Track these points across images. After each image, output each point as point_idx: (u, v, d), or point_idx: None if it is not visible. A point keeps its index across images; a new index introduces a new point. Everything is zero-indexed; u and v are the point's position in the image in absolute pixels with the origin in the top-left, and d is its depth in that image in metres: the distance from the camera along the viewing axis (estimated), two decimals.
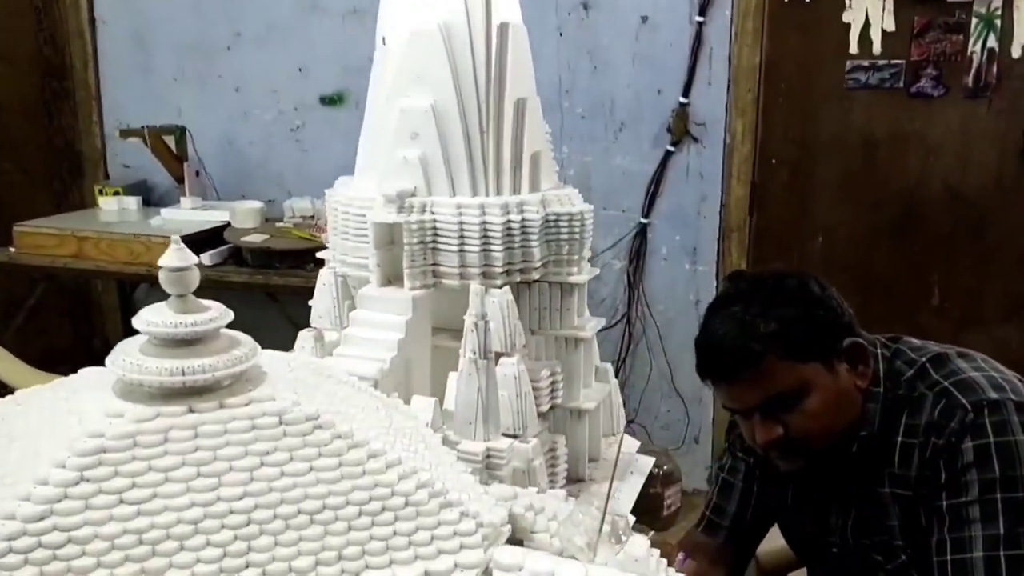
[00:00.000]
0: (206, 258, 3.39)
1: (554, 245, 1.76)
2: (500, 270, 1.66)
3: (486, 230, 1.65)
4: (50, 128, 4.35)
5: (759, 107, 3.36)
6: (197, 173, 3.97)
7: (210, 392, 1.12)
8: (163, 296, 1.16)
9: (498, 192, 1.70)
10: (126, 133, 3.72)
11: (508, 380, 1.63)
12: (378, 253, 1.66)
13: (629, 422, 3.64)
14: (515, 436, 1.65)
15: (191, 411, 1.09)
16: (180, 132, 3.87)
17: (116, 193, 3.95)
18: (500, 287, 1.66)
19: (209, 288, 3.45)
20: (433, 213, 1.65)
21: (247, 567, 0.99)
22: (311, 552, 1.02)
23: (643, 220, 3.56)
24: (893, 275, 3.23)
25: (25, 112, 4.31)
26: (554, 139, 3.60)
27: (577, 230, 1.77)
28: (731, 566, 1.66)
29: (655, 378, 3.65)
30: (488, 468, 1.54)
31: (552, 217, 1.74)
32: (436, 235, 1.65)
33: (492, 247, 1.65)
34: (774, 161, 3.41)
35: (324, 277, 1.80)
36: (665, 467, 3.55)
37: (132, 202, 3.91)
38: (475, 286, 1.51)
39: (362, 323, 1.64)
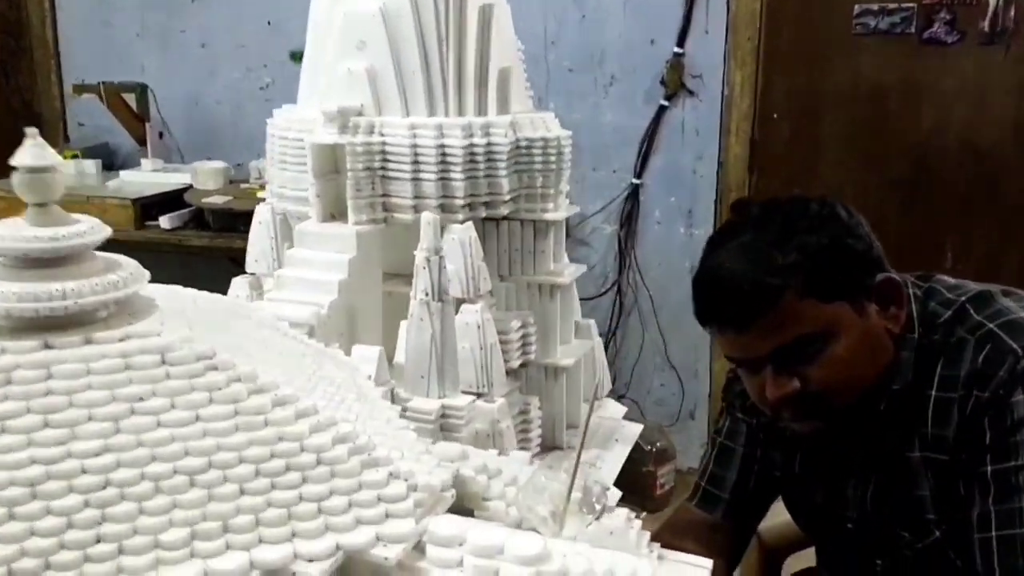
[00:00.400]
0: (165, 221, 3.16)
1: (526, 176, 1.53)
2: (461, 203, 1.43)
3: (444, 155, 1.41)
4: (7, 88, 4.11)
5: (759, 57, 3.12)
6: (161, 135, 3.73)
7: (76, 325, 0.90)
8: None
9: (460, 112, 1.47)
10: (80, 89, 3.48)
11: (470, 330, 1.40)
12: (318, 182, 1.43)
13: (619, 397, 3.41)
14: (479, 394, 1.42)
15: (47, 347, 0.86)
16: (141, 90, 3.63)
17: (75, 156, 3.71)
18: (462, 222, 1.43)
19: (169, 253, 3.16)
20: (382, 135, 1.41)
21: (97, 542, 0.76)
22: (186, 523, 0.79)
23: (635, 181, 3.32)
24: (904, 236, 3.00)
25: None
26: (539, 95, 3.37)
27: (553, 159, 1.54)
28: (730, 549, 1.43)
29: (648, 350, 3.41)
30: (443, 430, 1.31)
31: (524, 143, 1.51)
32: (386, 160, 1.42)
33: (452, 175, 1.42)
34: (775, 115, 3.18)
35: (261, 214, 1.56)
36: (658, 444, 3.34)
37: (91, 165, 3.66)
38: (428, 215, 1.28)
39: (299, 263, 1.41)
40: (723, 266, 1.20)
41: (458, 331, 1.40)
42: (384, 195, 1.42)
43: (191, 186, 3.35)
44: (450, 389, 1.32)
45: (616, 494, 1.77)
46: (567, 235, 3.44)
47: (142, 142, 3.67)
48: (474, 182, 1.44)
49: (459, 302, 1.43)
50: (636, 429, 1.74)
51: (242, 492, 0.82)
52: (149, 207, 3.23)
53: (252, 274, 1.55)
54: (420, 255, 1.28)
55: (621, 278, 3.39)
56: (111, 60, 3.82)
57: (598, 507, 1.01)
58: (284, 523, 0.81)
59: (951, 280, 1.30)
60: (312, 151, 1.40)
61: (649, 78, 3.24)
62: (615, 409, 1.78)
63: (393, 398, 1.31)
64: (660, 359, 3.42)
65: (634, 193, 3.33)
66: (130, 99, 3.63)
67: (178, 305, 1.04)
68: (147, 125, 3.63)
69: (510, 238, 1.53)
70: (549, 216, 1.53)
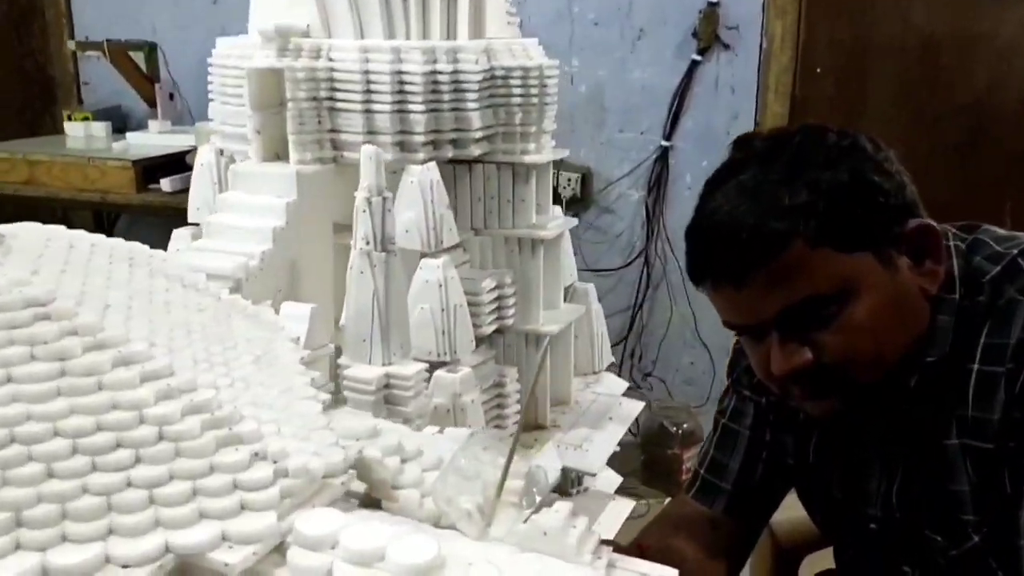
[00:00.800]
0: (166, 184, 3.00)
1: (503, 112, 1.32)
2: (422, 139, 1.23)
3: (402, 83, 1.21)
4: (19, 51, 3.99)
5: (801, 5, 2.87)
6: (171, 96, 3.58)
7: None
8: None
9: (424, 36, 1.26)
10: (84, 46, 3.33)
11: (430, 288, 1.20)
12: (257, 115, 1.24)
13: (645, 375, 3.20)
14: (441, 363, 1.22)
15: None
16: (149, 49, 3.48)
17: (85, 118, 3.59)
18: (422, 162, 1.23)
19: (169, 216, 3.00)
20: (330, 59, 1.22)
21: None
22: None
23: (664, 143, 3.07)
24: (957, 201, 2.71)
25: None
26: (562, 51, 3.15)
27: (535, 92, 1.33)
28: (731, 548, 1.22)
29: (676, 325, 3.18)
30: (389, 403, 1.12)
31: (500, 72, 1.30)
32: (334, 90, 1.22)
33: (410, 107, 1.22)
34: (818, 70, 2.93)
35: (203, 156, 1.38)
36: (685, 426, 3.11)
37: (100, 128, 3.53)
38: (368, 147, 1.08)
39: (232, 208, 1.22)
40: (718, 210, 0.99)
41: (417, 289, 1.21)
42: (332, 130, 1.23)
43: (196, 147, 3.20)
44: (398, 355, 1.13)
45: (615, 480, 1.57)
46: (591, 202, 3.26)
47: (152, 103, 3.52)
48: (438, 116, 1.24)
49: (423, 256, 1.24)
50: (635, 407, 1.53)
51: (50, 475, 0.64)
52: (152, 169, 3.08)
53: (196, 224, 1.37)
54: (360, 195, 1.08)
55: (649, 248, 3.16)
56: (122, 20, 3.68)
57: (539, 499, 0.81)
58: (100, 516, 0.63)
59: (1001, 231, 1.07)
60: (249, 78, 1.21)
61: (680, 31, 3.00)
62: (614, 384, 1.57)
63: (333, 365, 1.12)
64: (690, 335, 3.18)
65: (663, 156, 3.09)
66: (139, 59, 3.49)
67: (37, 245, 0.86)
68: (156, 86, 3.48)
69: (485, 184, 1.33)
70: (530, 159, 1.32)
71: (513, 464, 0.82)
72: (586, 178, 3.17)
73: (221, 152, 1.34)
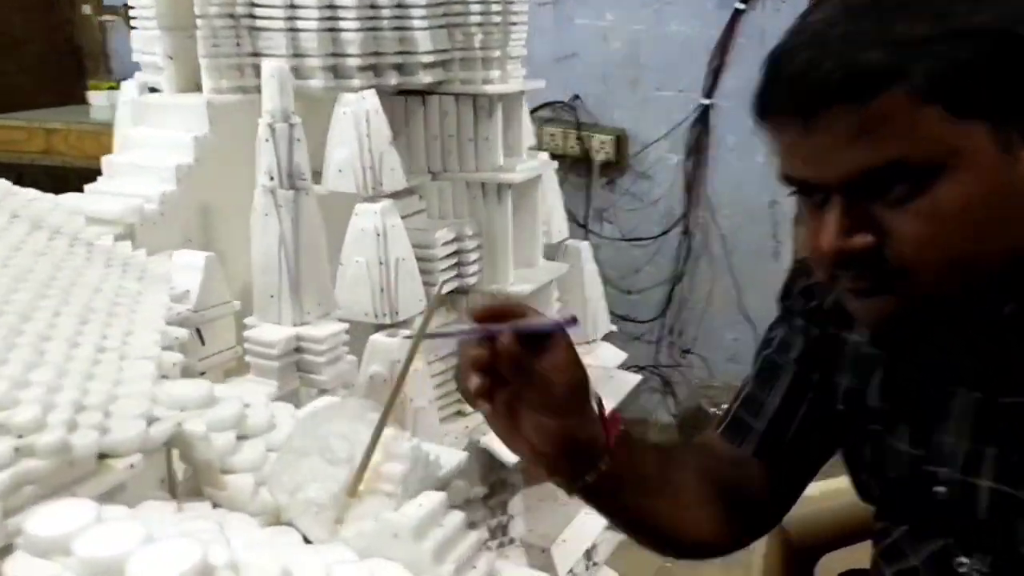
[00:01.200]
0: None
1: (459, 33, 1.13)
2: (358, 63, 1.05)
3: None
4: (51, 21, 3.94)
5: None
6: None
7: None
8: None
9: None
10: (101, 10, 3.24)
11: (367, 238, 1.03)
12: (168, 38, 1.07)
13: (684, 352, 2.99)
14: (385, 326, 1.05)
15: None
16: None
17: (111, 87, 3.52)
18: (357, 91, 1.05)
19: None
20: None
21: None
22: None
23: (705, 101, 2.87)
24: None
25: (22, 6, 3.91)
26: (595, 5, 2.95)
27: (497, 10, 1.14)
28: (751, 498, 0.99)
29: (719, 299, 2.96)
30: (301, 370, 0.94)
31: None
32: (253, 4, 1.05)
33: (342, 24, 1.04)
34: None
35: (126, 92, 1.22)
36: (725, 406, 2.91)
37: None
38: (270, 64, 0.90)
39: (138, 145, 1.06)
40: (808, 28, 0.76)
41: (352, 240, 1.03)
42: (254, 54, 1.06)
43: None
44: (313, 314, 0.95)
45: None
46: (626, 166, 3.06)
47: None
48: (377, 36, 1.05)
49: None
50: (631, 380, 1.33)
51: None
52: None
53: None
54: (262, 122, 0.91)
55: (689, 215, 2.94)
56: None
57: (420, 487, 0.63)
58: None
59: None
60: None
61: None
62: (609, 355, 1.38)
63: (239, 325, 0.95)
64: (733, 309, 2.96)
65: (703, 116, 2.87)
66: None
67: None
68: None
69: (441, 119, 1.14)
70: (493, 89, 1.13)
71: (393, 443, 0.64)
72: (621, 141, 2.97)
73: (145, 87, 1.17)
